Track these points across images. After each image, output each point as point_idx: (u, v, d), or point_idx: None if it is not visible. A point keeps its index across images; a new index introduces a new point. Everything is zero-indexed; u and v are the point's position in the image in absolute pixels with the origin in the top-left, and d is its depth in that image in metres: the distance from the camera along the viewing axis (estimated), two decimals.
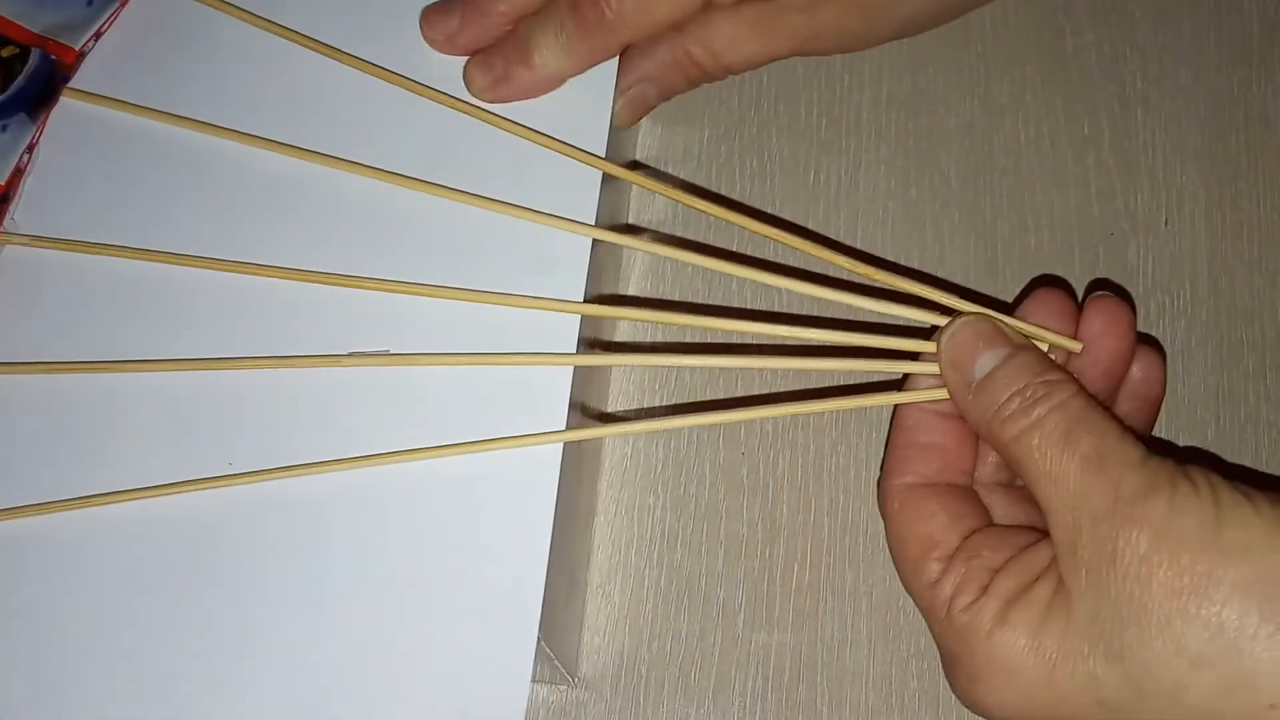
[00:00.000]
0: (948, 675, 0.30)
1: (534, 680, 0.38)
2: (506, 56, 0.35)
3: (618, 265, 0.42)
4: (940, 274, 0.43)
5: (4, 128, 0.35)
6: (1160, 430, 0.41)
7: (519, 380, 0.32)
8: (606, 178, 0.35)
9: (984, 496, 0.32)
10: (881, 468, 0.33)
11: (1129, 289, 0.43)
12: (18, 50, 0.35)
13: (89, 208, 0.34)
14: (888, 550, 0.32)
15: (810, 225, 0.44)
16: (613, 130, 0.36)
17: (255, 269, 0.33)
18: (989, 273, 0.43)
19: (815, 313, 0.42)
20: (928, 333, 0.32)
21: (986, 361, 0.30)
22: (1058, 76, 0.46)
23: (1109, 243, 0.43)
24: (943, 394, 0.31)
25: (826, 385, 0.41)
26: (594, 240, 0.34)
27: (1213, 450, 0.41)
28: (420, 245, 0.34)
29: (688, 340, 0.42)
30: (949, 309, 0.32)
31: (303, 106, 0.35)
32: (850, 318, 0.40)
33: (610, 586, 0.39)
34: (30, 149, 0.35)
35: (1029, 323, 0.32)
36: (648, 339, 0.42)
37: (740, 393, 0.41)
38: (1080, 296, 0.42)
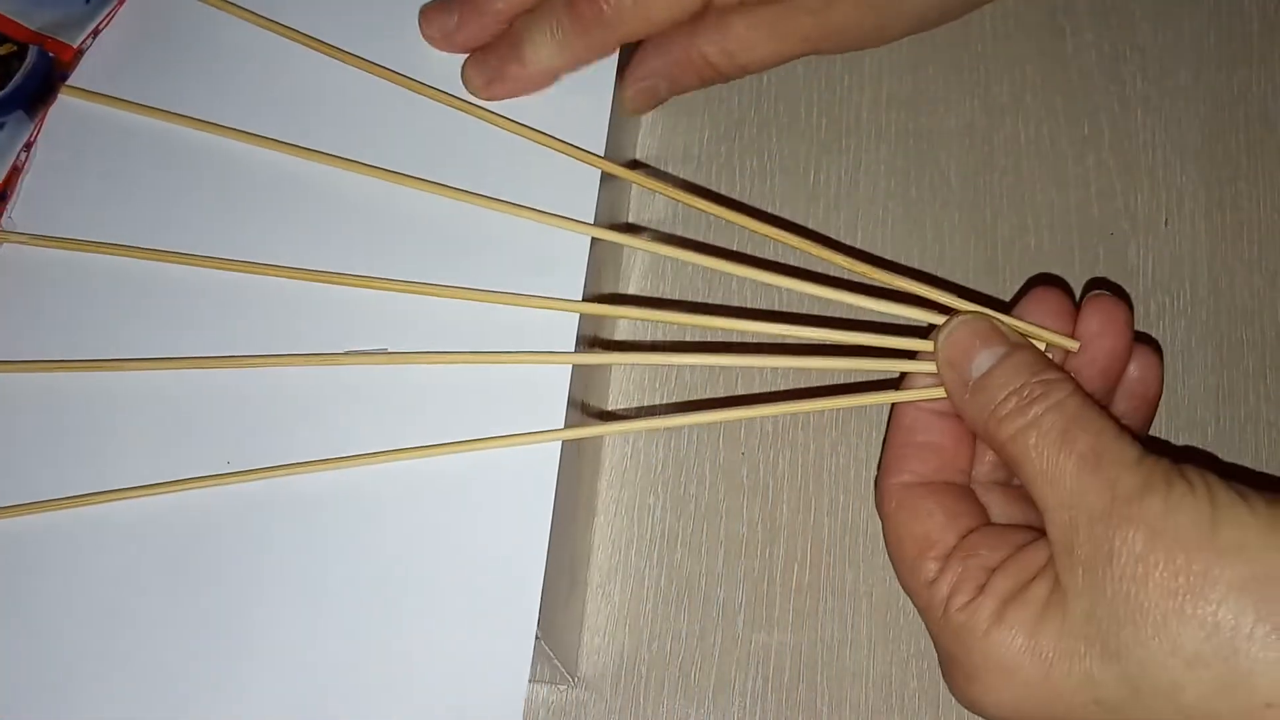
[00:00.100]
0: (945, 674, 0.30)
1: (534, 680, 0.38)
2: (501, 54, 0.35)
3: (617, 264, 0.42)
4: (940, 274, 0.43)
5: (1, 125, 0.35)
6: (1160, 430, 0.41)
7: (518, 379, 0.32)
8: (606, 177, 0.35)
9: (981, 495, 0.32)
10: (879, 466, 0.33)
11: (1129, 289, 0.43)
12: (15, 48, 0.35)
13: (87, 206, 0.34)
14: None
15: (810, 225, 0.44)
16: (612, 129, 0.36)
17: (254, 268, 0.33)
18: (989, 273, 0.43)
19: (814, 312, 0.42)
20: (926, 332, 0.32)
21: (983, 360, 0.30)
22: (1058, 76, 0.46)
23: (1109, 243, 0.43)
24: (940, 393, 0.31)
25: (826, 384, 0.41)
26: (593, 239, 0.34)
27: (1212, 450, 0.41)
28: (420, 244, 0.34)
29: (687, 339, 0.42)
30: (947, 308, 0.32)
31: (302, 105, 0.35)
32: (849, 317, 0.40)
33: (610, 586, 0.39)
34: (28, 147, 0.35)
35: (1026, 321, 0.32)
36: (647, 338, 0.42)
37: (740, 391, 0.41)
38: (1079, 296, 0.42)
